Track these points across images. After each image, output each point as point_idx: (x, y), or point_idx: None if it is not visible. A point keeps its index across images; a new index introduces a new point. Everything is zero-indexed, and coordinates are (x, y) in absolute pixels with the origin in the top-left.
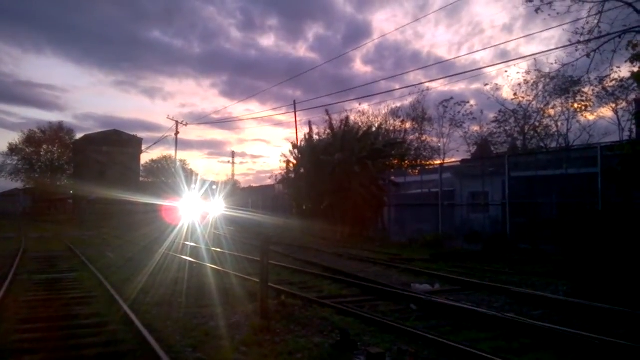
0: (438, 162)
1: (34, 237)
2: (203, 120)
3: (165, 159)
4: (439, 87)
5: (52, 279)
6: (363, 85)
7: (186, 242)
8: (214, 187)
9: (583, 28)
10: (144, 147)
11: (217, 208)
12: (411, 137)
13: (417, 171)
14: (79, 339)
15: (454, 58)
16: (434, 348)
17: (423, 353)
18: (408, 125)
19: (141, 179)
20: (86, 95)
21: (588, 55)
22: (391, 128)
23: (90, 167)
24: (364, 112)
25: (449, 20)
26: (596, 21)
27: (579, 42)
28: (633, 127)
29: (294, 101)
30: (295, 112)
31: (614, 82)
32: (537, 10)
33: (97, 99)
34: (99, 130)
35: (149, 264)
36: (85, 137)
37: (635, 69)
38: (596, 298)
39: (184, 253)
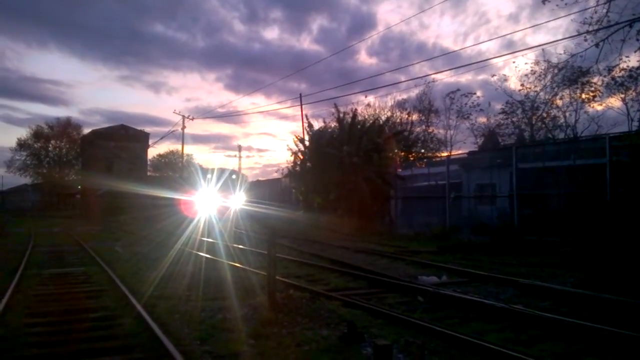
0: (445, 154)
1: (42, 232)
2: (209, 114)
3: (172, 153)
4: (445, 78)
5: (61, 274)
6: (368, 77)
7: (203, 238)
8: (234, 176)
9: (591, 17)
10: (150, 142)
11: (237, 201)
12: (418, 129)
13: (423, 163)
14: (87, 332)
15: (460, 49)
16: (441, 340)
17: (430, 345)
18: (414, 117)
19: (148, 173)
20: (91, 90)
21: (597, 45)
22: (397, 120)
23: (98, 161)
24: (370, 105)
25: (455, 10)
26: (605, 10)
27: (587, 32)
28: None
29: (300, 94)
30: (301, 105)
31: (623, 72)
32: (543, 0)
33: (102, 94)
34: (105, 125)
35: (164, 260)
36: (93, 132)
37: None
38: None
39: (200, 250)
